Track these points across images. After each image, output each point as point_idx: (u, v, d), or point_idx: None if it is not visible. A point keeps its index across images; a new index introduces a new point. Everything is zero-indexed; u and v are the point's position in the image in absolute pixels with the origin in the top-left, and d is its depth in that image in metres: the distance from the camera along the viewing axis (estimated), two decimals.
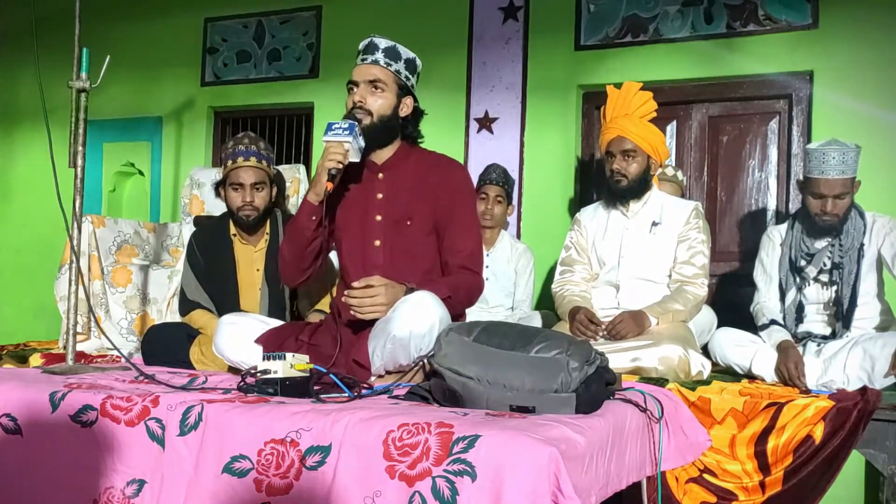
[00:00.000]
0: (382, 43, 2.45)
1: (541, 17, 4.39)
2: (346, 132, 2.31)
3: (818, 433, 2.41)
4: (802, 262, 3.01)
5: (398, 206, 2.47)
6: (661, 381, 2.59)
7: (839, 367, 2.75)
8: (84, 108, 2.56)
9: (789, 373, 2.74)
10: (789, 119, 4.05)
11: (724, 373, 2.97)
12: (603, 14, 4.27)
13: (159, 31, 5.27)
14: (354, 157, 2.36)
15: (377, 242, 2.47)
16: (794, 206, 3.91)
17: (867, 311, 2.94)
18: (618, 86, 3.27)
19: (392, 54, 2.45)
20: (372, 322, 2.30)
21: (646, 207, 3.23)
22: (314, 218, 2.39)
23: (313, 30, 4.95)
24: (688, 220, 3.17)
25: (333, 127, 2.33)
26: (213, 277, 3.08)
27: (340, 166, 2.33)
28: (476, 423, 1.61)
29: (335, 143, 2.31)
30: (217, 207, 3.26)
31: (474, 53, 4.51)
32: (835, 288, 2.95)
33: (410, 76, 2.50)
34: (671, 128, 4.27)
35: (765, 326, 3.00)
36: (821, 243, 3.00)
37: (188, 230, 3.74)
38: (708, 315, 3.32)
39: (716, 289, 3.92)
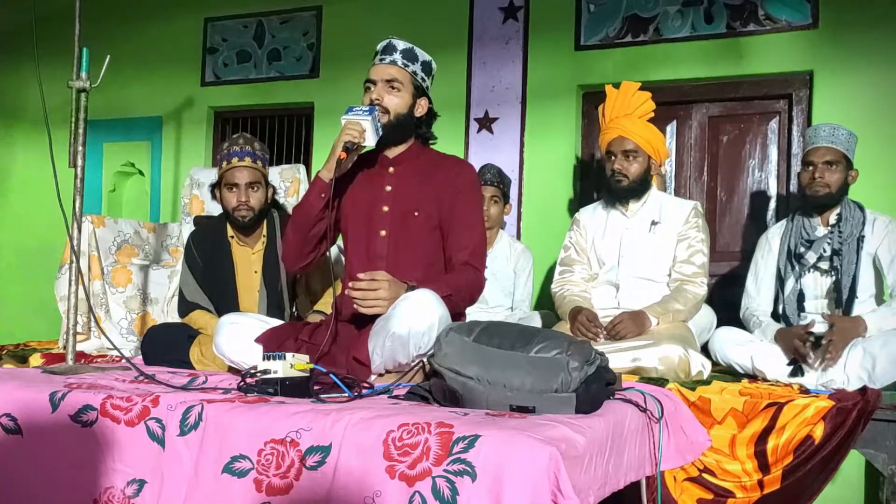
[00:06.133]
0: (400, 44, 2.51)
1: (541, 17, 4.39)
2: (366, 113, 2.38)
3: (818, 433, 2.41)
4: (802, 249, 3.03)
5: (406, 198, 2.51)
6: (661, 381, 2.59)
7: (839, 366, 2.75)
8: (84, 108, 2.56)
9: (798, 349, 2.79)
10: (789, 119, 4.05)
11: (725, 372, 2.97)
12: (603, 14, 4.27)
13: (159, 31, 5.27)
14: (370, 141, 2.42)
15: (383, 233, 2.51)
16: (793, 205, 3.91)
17: (866, 311, 2.94)
18: (616, 86, 3.28)
19: (409, 56, 2.51)
20: (373, 320, 2.31)
21: (645, 207, 3.24)
22: (323, 196, 2.43)
23: (313, 30, 4.96)
24: (687, 220, 3.18)
25: (354, 108, 2.41)
26: (211, 280, 3.07)
27: (356, 142, 2.37)
28: (476, 423, 1.61)
29: (353, 122, 2.38)
30: (217, 207, 3.26)
31: (474, 53, 4.51)
32: (834, 277, 2.97)
33: (426, 78, 2.56)
34: (671, 128, 4.27)
35: (758, 324, 3.03)
36: (820, 231, 3.03)
37: (188, 230, 3.74)
38: (708, 315, 3.32)
39: (716, 288, 3.93)
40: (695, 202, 3.28)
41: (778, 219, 4.00)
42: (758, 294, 3.16)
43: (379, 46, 2.54)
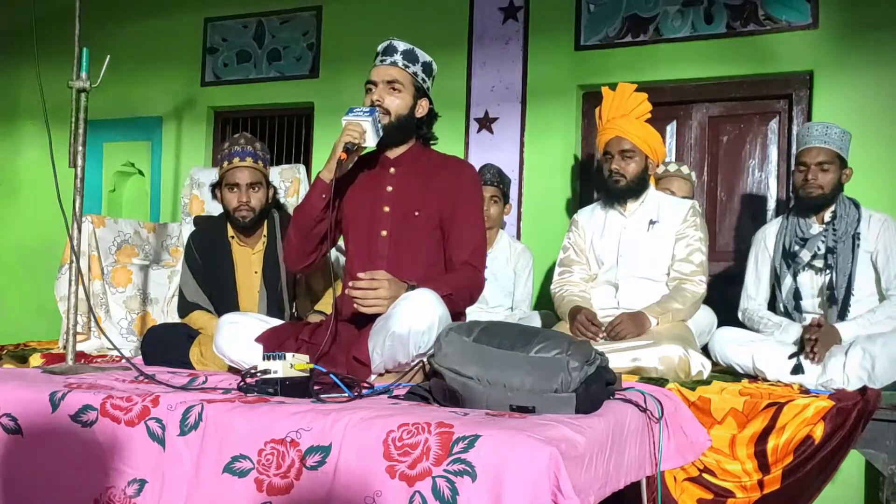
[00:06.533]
0: (401, 45, 2.51)
1: (541, 17, 4.39)
2: (367, 114, 2.39)
3: (818, 433, 2.41)
4: (796, 247, 3.03)
5: (407, 198, 2.52)
6: (661, 381, 2.59)
7: (839, 366, 2.75)
8: (84, 108, 2.56)
9: (813, 346, 2.77)
10: (789, 119, 4.05)
11: (725, 373, 2.97)
12: (603, 14, 4.27)
13: (159, 31, 5.27)
14: (370, 142, 2.42)
15: (384, 233, 2.51)
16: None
17: (863, 311, 2.94)
18: (612, 87, 3.28)
19: (410, 57, 2.51)
20: (373, 319, 2.32)
21: (643, 206, 3.24)
22: (324, 196, 2.43)
23: (313, 30, 4.96)
24: (685, 219, 3.18)
25: (355, 110, 2.41)
26: (211, 280, 3.07)
27: (356, 143, 2.37)
28: (476, 423, 1.61)
29: (354, 123, 2.38)
30: (217, 207, 3.26)
31: (474, 53, 4.51)
32: (828, 275, 2.96)
33: (427, 79, 2.57)
34: (671, 128, 4.27)
35: (774, 325, 3.02)
36: (815, 229, 3.02)
37: (188, 230, 3.74)
38: (708, 316, 3.32)
39: (715, 288, 3.92)
40: (692, 201, 3.29)
41: None
42: (757, 294, 3.17)
43: (379, 48, 2.54)
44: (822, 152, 2.98)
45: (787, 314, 3.05)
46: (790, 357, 2.83)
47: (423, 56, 2.54)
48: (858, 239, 2.96)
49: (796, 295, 3.02)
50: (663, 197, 3.30)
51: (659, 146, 3.23)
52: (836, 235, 2.98)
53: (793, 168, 3.14)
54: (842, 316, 2.92)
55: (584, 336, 2.95)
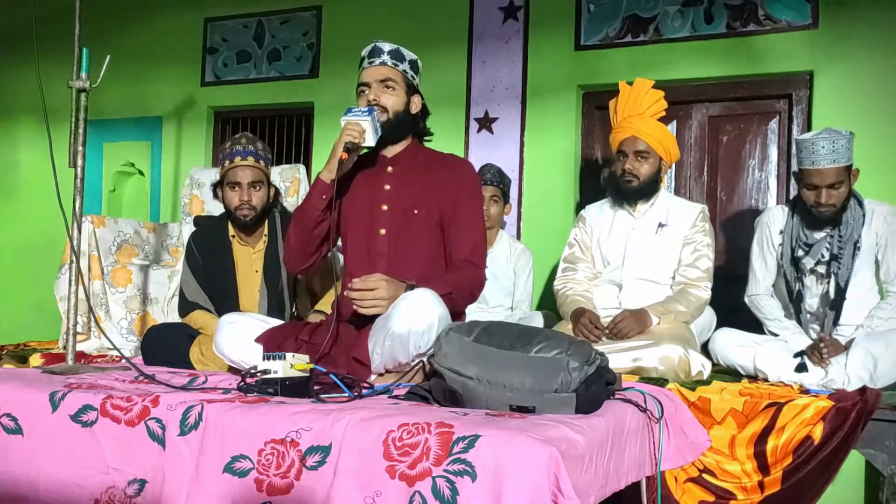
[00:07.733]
0: (386, 46, 2.54)
1: (541, 17, 4.39)
2: (365, 114, 2.40)
3: (817, 434, 2.41)
4: (800, 253, 3.00)
5: (405, 196, 2.52)
6: (661, 381, 2.59)
7: (840, 366, 2.75)
8: (84, 108, 2.56)
9: (821, 353, 2.77)
10: (789, 119, 4.05)
11: (725, 373, 2.97)
12: (603, 14, 4.27)
13: (159, 31, 5.27)
14: (370, 141, 2.43)
15: (382, 231, 2.52)
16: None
17: (862, 307, 2.93)
18: (629, 83, 3.27)
19: (397, 56, 2.54)
20: (373, 320, 2.32)
21: (653, 208, 3.23)
22: (325, 197, 2.44)
23: (313, 30, 4.96)
24: (694, 223, 3.17)
25: (353, 110, 2.43)
26: (212, 279, 3.07)
27: (356, 142, 2.38)
28: (476, 423, 1.61)
29: (353, 122, 2.40)
30: (217, 207, 3.26)
31: (474, 53, 4.51)
32: (832, 281, 2.94)
33: (415, 76, 2.60)
34: (671, 128, 4.26)
35: (783, 327, 3.01)
36: (819, 234, 2.98)
37: (188, 230, 3.74)
38: (708, 315, 3.31)
39: (715, 288, 3.92)
40: (702, 206, 3.27)
41: None
42: (764, 277, 3.12)
43: (364, 52, 2.57)
44: (833, 173, 2.83)
45: (797, 316, 3.03)
46: (795, 356, 2.82)
47: (409, 54, 2.58)
48: (859, 242, 2.93)
49: (798, 297, 3.01)
50: (673, 199, 3.29)
51: (673, 148, 3.22)
52: (840, 242, 2.92)
53: (795, 171, 3.02)
54: (835, 321, 2.92)
55: (587, 338, 2.94)
